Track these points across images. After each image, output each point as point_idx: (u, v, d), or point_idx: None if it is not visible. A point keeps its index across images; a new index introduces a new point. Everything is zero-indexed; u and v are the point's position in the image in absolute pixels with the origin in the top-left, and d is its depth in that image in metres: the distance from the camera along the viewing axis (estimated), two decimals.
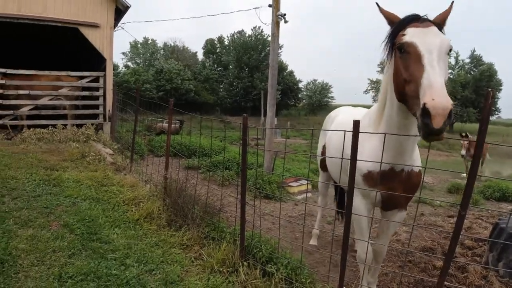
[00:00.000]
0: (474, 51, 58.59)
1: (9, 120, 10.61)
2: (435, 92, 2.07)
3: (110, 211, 5.04)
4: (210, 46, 64.17)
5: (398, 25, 2.57)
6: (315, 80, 67.50)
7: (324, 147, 4.69)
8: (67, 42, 13.42)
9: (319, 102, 64.71)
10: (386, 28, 2.71)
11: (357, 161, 2.81)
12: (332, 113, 5.06)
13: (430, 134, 2.12)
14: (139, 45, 66.36)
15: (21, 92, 10.60)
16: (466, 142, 13.75)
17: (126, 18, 13.43)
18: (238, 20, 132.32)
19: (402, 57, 2.45)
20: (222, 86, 61.57)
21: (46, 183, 5.90)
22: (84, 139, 9.86)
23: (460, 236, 3.11)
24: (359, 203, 3.21)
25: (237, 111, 52.49)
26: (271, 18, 10.78)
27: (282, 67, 54.83)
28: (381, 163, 2.88)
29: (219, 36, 65.18)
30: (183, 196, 4.91)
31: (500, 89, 54.53)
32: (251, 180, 7.88)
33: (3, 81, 10.35)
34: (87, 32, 11.34)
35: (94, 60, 12.56)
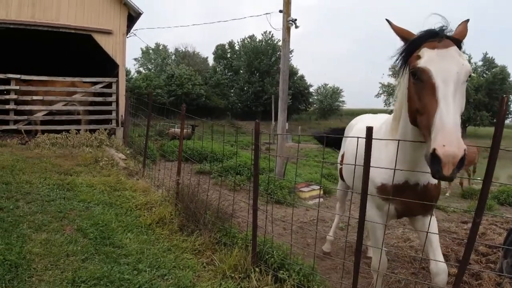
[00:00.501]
0: (486, 53, 58.25)
1: (23, 125, 10.79)
2: (447, 137, 1.98)
3: (123, 215, 5.08)
4: (220, 51, 64.58)
5: (412, 44, 2.36)
6: (326, 85, 67.67)
7: (342, 156, 4.66)
8: (80, 48, 13.62)
9: (330, 106, 64.61)
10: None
11: (372, 173, 2.77)
12: (353, 121, 4.95)
13: (439, 178, 2.11)
14: (150, 51, 67.03)
15: (35, 97, 10.79)
16: None
17: (138, 24, 13.57)
18: (249, 25, 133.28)
19: (415, 83, 2.30)
20: (232, 91, 61.91)
21: (60, 187, 5.97)
22: (97, 144, 9.97)
23: (474, 243, 3.05)
24: (374, 214, 3.16)
25: (248, 116, 52.69)
26: (282, 23, 10.82)
27: (292, 72, 54.85)
28: (393, 176, 2.79)
29: (229, 41, 65.70)
30: (195, 201, 4.91)
31: None
32: (263, 185, 7.86)
33: (17, 87, 10.53)
34: (100, 39, 11.51)
35: (107, 66, 12.73)
